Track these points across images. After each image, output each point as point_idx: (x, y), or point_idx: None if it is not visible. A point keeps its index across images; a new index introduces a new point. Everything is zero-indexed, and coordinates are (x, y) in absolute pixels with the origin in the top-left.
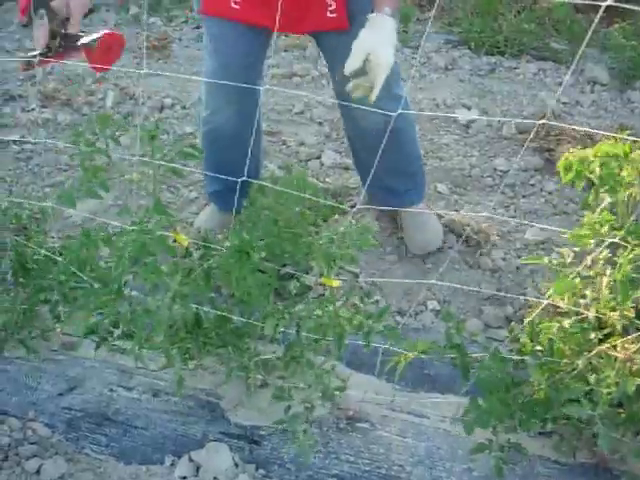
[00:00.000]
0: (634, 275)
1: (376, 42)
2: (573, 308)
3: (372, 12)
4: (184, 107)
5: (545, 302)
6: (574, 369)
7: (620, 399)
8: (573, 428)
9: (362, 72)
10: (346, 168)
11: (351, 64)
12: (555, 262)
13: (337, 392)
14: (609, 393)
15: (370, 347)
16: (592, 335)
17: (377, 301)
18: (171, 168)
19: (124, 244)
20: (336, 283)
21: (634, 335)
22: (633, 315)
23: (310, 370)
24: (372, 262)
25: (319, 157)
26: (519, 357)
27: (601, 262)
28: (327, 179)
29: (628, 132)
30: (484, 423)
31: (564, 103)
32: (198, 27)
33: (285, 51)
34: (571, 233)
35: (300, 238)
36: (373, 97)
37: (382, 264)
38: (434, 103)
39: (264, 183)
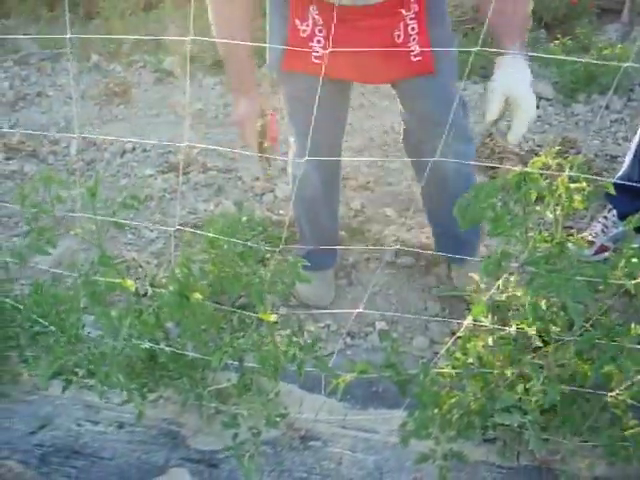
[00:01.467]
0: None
1: (513, 83)
2: (495, 326)
3: (501, 49)
4: (144, 150)
5: (466, 322)
6: (506, 380)
7: (552, 404)
8: (513, 434)
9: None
10: None
11: (492, 111)
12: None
13: (278, 419)
14: (537, 401)
15: (302, 377)
16: (518, 348)
17: (328, 325)
18: (113, 222)
19: (75, 293)
20: (272, 318)
21: (554, 345)
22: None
23: (258, 397)
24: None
25: (273, 190)
26: (454, 370)
27: (512, 285)
28: (280, 211)
29: (570, 144)
30: (419, 435)
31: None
32: (156, 71)
33: None
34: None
35: (238, 277)
36: (513, 140)
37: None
38: (383, 130)
39: (197, 231)
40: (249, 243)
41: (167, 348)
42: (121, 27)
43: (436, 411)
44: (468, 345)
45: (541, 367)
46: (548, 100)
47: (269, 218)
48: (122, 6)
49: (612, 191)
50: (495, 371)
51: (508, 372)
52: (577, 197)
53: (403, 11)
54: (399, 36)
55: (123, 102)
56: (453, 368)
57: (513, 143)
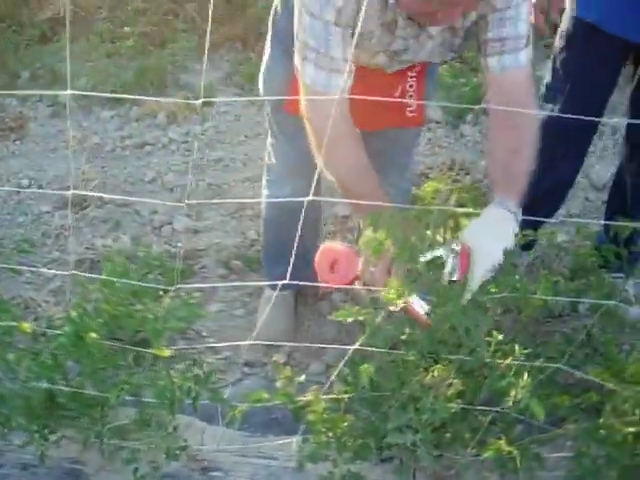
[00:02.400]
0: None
1: (483, 235)
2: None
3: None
4: (40, 186)
5: (353, 347)
6: (397, 401)
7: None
8: (408, 452)
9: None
10: (196, 231)
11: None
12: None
13: (178, 452)
14: (427, 419)
15: (198, 410)
16: (408, 369)
17: (227, 357)
18: (8, 268)
19: None
20: (166, 353)
21: (438, 366)
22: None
23: (157, 431)
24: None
25: (171, 223)
26: (346, 395)
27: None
28: (178, 243)
29: (459, 166)
30: (314, 459)
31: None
32: (52, 105)
33: (136, 121)
34: None
35: (131, 315)
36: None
37: (230, 319)
38: None
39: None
40: (143, 282)
41: (66, 388)
42: (16, 60)
43: (330, 435)
44: (359, 369)
45: (430, 387)
46: (437, 123)
47: (167, 251)
48: (17, 39)
49: None
50: (386, 393)
51: (399, 394)
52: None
53: (408, 72)
54: (398, 89)
55: (19, 137)
56: (345, 392)
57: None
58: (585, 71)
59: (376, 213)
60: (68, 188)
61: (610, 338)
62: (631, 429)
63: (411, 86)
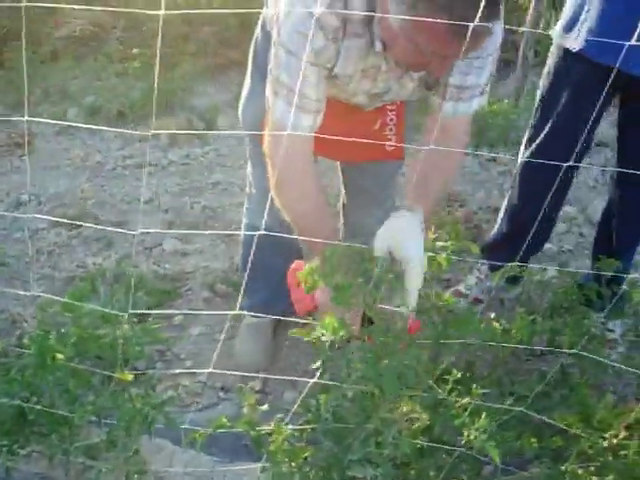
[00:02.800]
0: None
1: (401, 241)
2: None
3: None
4: (40, 202)
5: (312, 381)
6: (360, 434)
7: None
8: None
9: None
10: (185, 254)
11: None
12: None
13: (137, 475)
14: (388, 454)
15: (153, 434)
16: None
17: (203, 381)
18: None
19: None
20: (129, 377)
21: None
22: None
23: (121, 453)
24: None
25: (161, 244)
26: (308, 426)
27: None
28: (166, 265)
29: (454, 198)
30: None
31: None
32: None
33: (139, 141)
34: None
35: (94, 339)
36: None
37: (210, 343)
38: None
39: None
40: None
41: (36, 406)
42: (27, 77)
43: (293, 465)
44: (321, 400)
45: (394, 421)
46: None
47: (155, 272)
48: (30, 56)
49: (474, 249)
50: (350, 425)
51: (361, 427)
52: (439, 258)
53: (388, 106)
54: (377, 123)
55: (24, 153)
56: (308, 423)
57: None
58: (571, 101)
59: (330, 249)
60: (65, 205)
61: (582, 381)
62: (594, 478)
63: (391, 120)
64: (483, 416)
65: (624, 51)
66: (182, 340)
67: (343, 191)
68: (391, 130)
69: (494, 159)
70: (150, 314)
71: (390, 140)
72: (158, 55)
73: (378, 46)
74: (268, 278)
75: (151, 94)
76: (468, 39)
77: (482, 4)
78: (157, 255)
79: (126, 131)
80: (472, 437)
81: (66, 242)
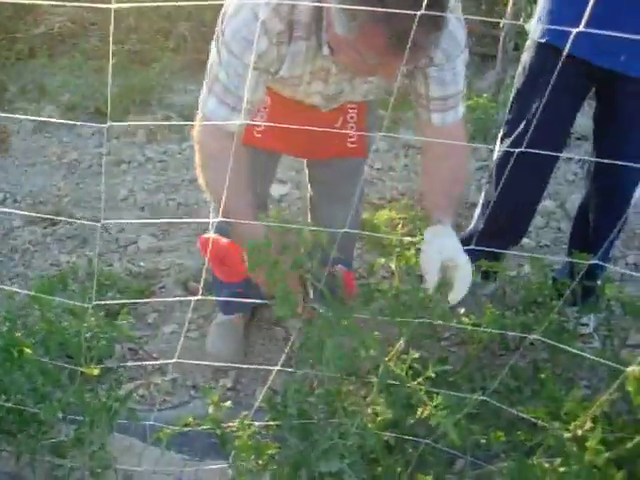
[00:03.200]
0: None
1: (451, 252)
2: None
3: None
4: (15, 200)
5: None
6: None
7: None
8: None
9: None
10: (159, 251)
11: (432, 281)
12: None
13: (100, 470)
14: (353, 444)
15: (114, 428)
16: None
17: (174, 379)
18: None
19: None
20: (94, 371)
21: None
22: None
23: (86, 450)
24: (174, 340)
25: (136, 242)
26: (274, 422)
27: None
28: (141, 263)
29: None
30: None
31: (378, 169)
32: (35, 120)
33: (116, 138)
34: None
35: (60, 332)
36: (453, 300)
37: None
38: None
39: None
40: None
41: (6, 404)
42: (5, 74)
43: (259, 462)
44: (287, 395)
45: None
46: (417, 149)
47: (129, 269)
48: (8, 53)
49: None
50: (313, 421)
51: (324, 420)
52: (408, 252)
53: (348, 105)
54: (339, 121)
55: (1, 151)
56: (273, 420)
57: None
58: (546, 95)
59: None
60: (41, 204)
61: (550, 374)
62: (561, 469)
63: (352, 117)
64: (440, 397)
65: (589, 41)
66: (155, 338)
67: (309, 185)
68: (352, 127)
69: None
70: (120, 312)
71: (352, 137)
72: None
73: (326, 51)
74: None
75: (129, 91)
76: (409, 51)
77: (422, 15)
78: (132, 253)
79: (87, 123)
80: (426, 413)
81: (40, 240)
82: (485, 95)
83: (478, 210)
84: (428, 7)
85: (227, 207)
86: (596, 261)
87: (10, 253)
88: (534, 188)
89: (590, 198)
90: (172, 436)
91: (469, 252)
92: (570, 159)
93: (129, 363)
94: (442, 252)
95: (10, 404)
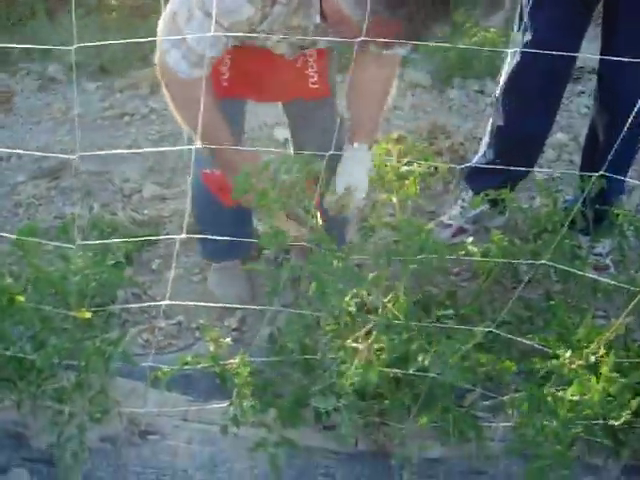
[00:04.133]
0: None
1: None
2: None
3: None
4: (19, 157)
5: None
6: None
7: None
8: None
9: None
10: (163, 199)
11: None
12: None
13: (99, 414)
14: (352, 384)
15: (110, 370)
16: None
17: (179, 322)
18: None
19: None
20: (87, 315)
21: (366, 328)
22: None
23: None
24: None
25: (140, 191)
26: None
27: None
28: (145, 211)
29: (440, 130)
30: (235, 423)
31: None
32: (40, 78)
33: (120, 92)
34: None
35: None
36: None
37: (187, 285)
38: (257, 124)
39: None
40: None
41: (5, 352)
42: (7, 35)
43: (261, 400)
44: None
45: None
46: (424, 88)
47: (133, 217)
48: (5, 15)
49: (443, 170)
50: (316, 357)
51: (325, 357)
52: (407, 182)
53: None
54: (299, 61)
55: (5, 110)
56: (276, 355)
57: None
58: (552, 11)
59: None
60: (45, 159)
61: (560, 302)
62: (574, 397)
63: (311, 56)
64: (444, 341)
65: None
66: (159, 283)
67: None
68: (312, 67)
69: (482, 91)
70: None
71: (312, 77)
72: None
73: (317, 19)
74: (222, 221)
75: (131, 46)
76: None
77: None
78: (136, 202)
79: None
80: (427, 363)
81: (45, 194)
82: (493, 30)
83: (486, 139)
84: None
85: (209, 139)
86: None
87: (14, 208)
88: (545, 109)
89: (597, 113)
90: (176, 378)
91: (480, 183)
92: (582, 92)
93: (140, 313)
94: (351, 176)
95: (9, 353)
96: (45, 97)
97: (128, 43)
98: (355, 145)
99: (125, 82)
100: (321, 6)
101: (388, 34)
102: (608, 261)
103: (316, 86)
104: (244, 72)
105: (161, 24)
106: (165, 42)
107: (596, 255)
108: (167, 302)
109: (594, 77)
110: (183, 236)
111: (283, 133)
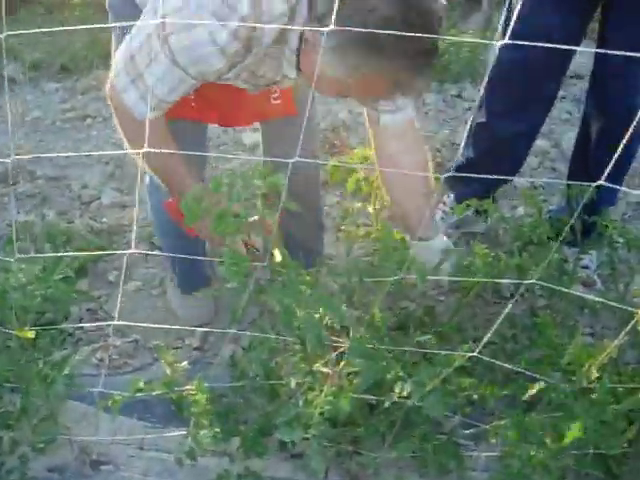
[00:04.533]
0: None
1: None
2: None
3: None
4: None
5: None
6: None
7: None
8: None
9: None
10: (123, 206)
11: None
12: None
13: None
14: (321, 413)
15: (52, 396)
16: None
17: (136, 340)
18: None
19: None
20: (30, 334)
21: (337, 351)
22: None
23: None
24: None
25: (99, 198)
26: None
27: None
28: (104, 219)
29: None
30: (191, 454)
31: (359, 113)
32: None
33: (82, 94)
34: None
35: None
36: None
37: (146, 298)
38: (222, 129)
39: None
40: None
41: None
42: None
43: (217, 429)
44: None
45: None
46: None
47: (90, 226)
48: None
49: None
50: (282, 382)
51: (291, 383)
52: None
53: None
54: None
55: None
56: (238, 380)
57: None
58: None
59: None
60: (1, 163)
61: (547, 319)
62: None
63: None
64: (423, 367)
65: None
66: (116, 297)
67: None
68: (275, 92)
69: (459, 95)
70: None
71: (275, 93)
72: None
73: (293, 74)
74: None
75: (94, 45)
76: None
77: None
78: (95, 209)
79: None
80: (405, 393)
81: None
82: (471, 31)
83: (464, 139)
84: (427, 54)
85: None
86: (595, 198)
87: None
88: (538, 107)
89: (589, 119)
90: (132, 402)
91: (460, 188)
92: (564, 98)
93: (95, 330)
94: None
95: None
96: (1, 98)
97: (89, 43)
98: (419, 243)
99: (87, 83)
100: (298, 60)
101: (371, 92)
102: (595, 277)
103: (277, 102)
104: (208, 100)
105: (118, 58)
106: (122, 78)
107: (583, 268)
108: (117, 323)
109: (577, 82)
110: (132, 251)
111: (251, 137)
